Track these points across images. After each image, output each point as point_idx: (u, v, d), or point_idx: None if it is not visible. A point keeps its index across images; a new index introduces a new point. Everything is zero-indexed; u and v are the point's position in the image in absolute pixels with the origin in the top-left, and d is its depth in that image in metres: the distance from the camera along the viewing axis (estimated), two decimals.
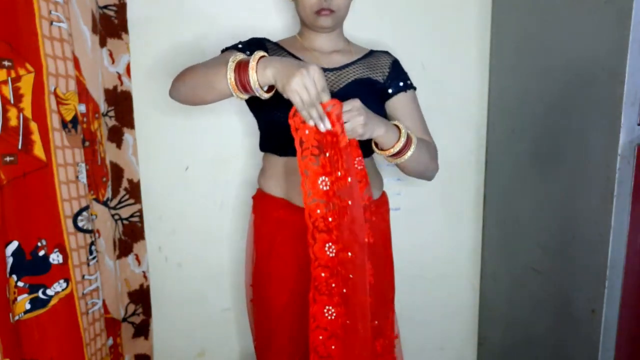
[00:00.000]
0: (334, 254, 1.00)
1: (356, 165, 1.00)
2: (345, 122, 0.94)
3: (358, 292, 1.01)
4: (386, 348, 1.12)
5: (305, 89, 0.88)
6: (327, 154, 0.97)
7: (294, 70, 0.87)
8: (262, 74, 0.91)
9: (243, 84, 0.93)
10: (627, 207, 1.14)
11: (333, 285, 1.01)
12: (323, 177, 0.98)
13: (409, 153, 1.06)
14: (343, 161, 0.95)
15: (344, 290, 1.01)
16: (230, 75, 0.93)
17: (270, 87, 0.95)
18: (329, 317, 1.03)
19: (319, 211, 0.99)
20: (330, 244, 1.00)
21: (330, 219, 0.99)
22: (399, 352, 1.23)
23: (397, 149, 1.04)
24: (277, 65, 0.90)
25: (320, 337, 1.03)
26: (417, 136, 1.15)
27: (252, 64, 0.91)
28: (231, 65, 0.93)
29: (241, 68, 0.93)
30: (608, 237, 1.15)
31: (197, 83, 1.02)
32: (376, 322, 1.10)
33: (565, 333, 1.32)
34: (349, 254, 0.99)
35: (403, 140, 1.04)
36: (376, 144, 1.07)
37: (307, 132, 0.95)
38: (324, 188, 0.98)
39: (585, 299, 1.24)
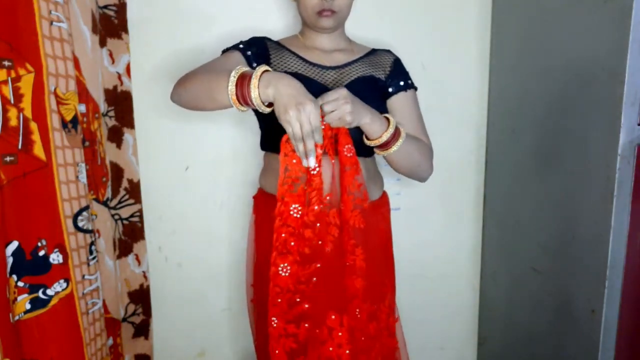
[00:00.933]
0: (287, 274, 1.03)
1: (345, 153, 1.02)
2: (332, 111, 0.96)
3: (330, 295, 1.05)
4: (381, 332, 1.14)
5: (298, 123, 0.90)
6: (306, 188, 1.00)
7: (292, 103, 0.89)
8: (263, 92, 0.92)
9: (244, 99, 0.94)
10: (627, 207, 1.14)
11: (279, 300, 1.04)
12: (296, 205, 1.01)
13: (397, 145, 1.07)
14: (321, 201, 1.00)
15: (299, 301, 1.04)
16: (232, 89, 0.93)
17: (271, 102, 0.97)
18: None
19: (283, 235, 1.02)
20: (285, 264, 1.03)
21: (292, 243, 1.02)
22: (400, 335, 1.24)
23: (385, 139, 1.05)
24: (279, 87, 0.91)
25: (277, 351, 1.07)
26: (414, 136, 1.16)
27: (254, 81, 0.92)
28: (233, 79, 0.93)
29: (243, 83, 0.93)
30: (608, 237, 1.15)
31: (198, 92, 1.03)
32: (375, 306, 1.12)
33: (565, 333, 1.32)
34: (318, 265, 1.03)
35: (391, 130, 1.05)
36: (366, 136, 1.08)
37: (294, 161, 0.99)
38: (295, 215, 1.01)
39: (585, 299, 1.24)
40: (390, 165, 1.16)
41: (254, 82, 0.91)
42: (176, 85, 1.09)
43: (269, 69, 0.95)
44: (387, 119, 1.07)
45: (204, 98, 1.01)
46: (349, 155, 1.02)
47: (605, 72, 1.14)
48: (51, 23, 0.96)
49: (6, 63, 0.89)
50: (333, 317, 1.05)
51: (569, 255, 1.30)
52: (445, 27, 1.59)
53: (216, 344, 1.61)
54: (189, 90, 1.05)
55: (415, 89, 1.24)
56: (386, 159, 1.13)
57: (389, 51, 1.27)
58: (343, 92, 0.97)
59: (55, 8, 0.97)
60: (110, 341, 1.30)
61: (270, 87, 0.91)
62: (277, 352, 1.06)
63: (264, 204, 1.21)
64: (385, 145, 1.06)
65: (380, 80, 1.19)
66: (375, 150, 1.10)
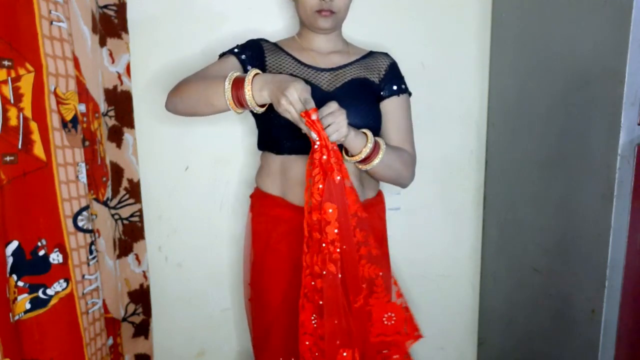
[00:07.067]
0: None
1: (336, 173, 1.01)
2: (330, 124, 0.96)
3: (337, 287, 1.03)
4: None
5: (292, 107, 0.94)
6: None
7: (279, 94, 0.94)
8: (258, 95, 0.98)
9: (240, 102, 1.00)
10: (627, 207, 1.14)
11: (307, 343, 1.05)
12: (320, 186, 1.01)
13: (377, 159, 1.07)
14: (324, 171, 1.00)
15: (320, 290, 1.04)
16: (228, 95, 0.99)
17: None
18: (314, 325, 1.05)
19: (315, 219, 1.01)
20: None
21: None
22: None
23: (365, 154, 1.05)
24: (270, 86, 0.97)
25: (307, 343, 1.06)
26: (398, 144, 1.16)
27: (248, 86, 0.97)
28: (227, 86, 0.99)
29: (238, 88, 0.98)
30: (608, 237, 1.15)
31: (194, 100, 1.07)
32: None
33: (565, 333, 1.32)
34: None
35: (370, 145, 1.05)
36: (346, 151, 1.08)
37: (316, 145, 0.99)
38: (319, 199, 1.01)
39: (585, 299, 1.24)
40: (371, 177, 1.16)
41: (247, 86, 0.97)
42: (170, 94, 1.12)
43: (259, 72, 1.00)
44: (365, 133, 1.07)
45: (202, 104, 1.06)
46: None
47: (605, 72, 1.14)
48: (51, 23, 0.96)
49: (6, 63, 0.89)
50: (345, 354, 1.04)
51: (569, 255, 1.30)
52: (445, 26, 1.58)
53: (216, 344, 1.61)
54: (185, 99, 1.08)
55: (410, 94, 1.23)
56: (367, 172, 1.12)
57: (386, 54, 1.26)
58: (334, 104, 0.98)
59: (55, 8, 0.97)
60: (110, 341, 1.30)
61: (264, 89, 0.97)
62: (317, 354, 1.07)
63: (260, 203, 1.22)
64: (365, 160, 1.07)
65: (374, 84, 1.19)
66: (356, 165, 1.09)
